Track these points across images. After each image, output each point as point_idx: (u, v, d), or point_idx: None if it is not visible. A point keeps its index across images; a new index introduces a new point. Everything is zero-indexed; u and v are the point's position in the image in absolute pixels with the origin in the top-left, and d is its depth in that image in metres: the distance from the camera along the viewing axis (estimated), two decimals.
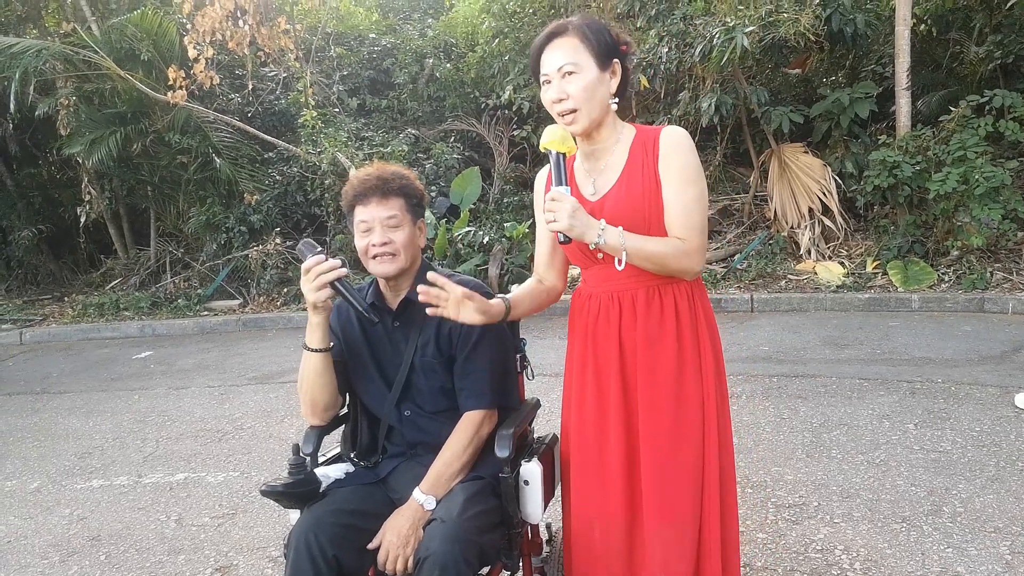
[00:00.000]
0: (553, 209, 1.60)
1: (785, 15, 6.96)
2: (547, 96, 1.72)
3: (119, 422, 4.94)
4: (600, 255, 1.73)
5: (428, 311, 1.69)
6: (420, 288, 1.68)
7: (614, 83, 1.73)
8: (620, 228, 1.64)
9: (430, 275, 1.69)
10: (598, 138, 1.78)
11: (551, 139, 1.67)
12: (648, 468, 1.74)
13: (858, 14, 7.25)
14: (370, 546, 1.78)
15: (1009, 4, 7.07)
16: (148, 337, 7.91)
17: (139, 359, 6.87)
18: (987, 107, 6.78)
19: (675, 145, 1.71)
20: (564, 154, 1.67)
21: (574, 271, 1.99)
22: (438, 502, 1.82)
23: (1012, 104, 6.73)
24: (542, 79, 1.73)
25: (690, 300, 1.78)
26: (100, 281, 9.99)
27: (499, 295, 1.82)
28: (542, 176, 1.93)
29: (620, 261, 1.65)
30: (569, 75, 1.68)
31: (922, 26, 7.83)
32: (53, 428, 4.94)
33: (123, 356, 7.06)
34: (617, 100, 1.75)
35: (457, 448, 1.89)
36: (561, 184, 1.64)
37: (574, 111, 1.69)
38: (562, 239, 1.64)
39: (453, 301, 1.67)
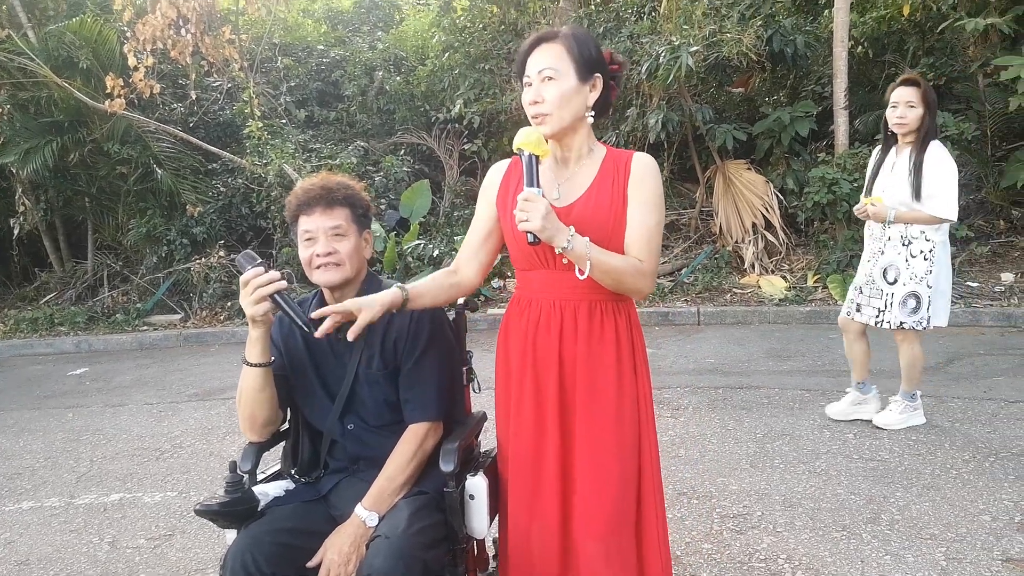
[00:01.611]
0: (526, 209, 1.59)
1: (728, 35, 7.14)
2: (525, 97, 1.74)
3: (51, 441, 4.75)
4: (565, 260, 1.73)
5: (350, 338, 1.61)
6: (319, 334, 1.61)
7: (592, 96, 1.76)
8: (587, 238, 1.65)
9: (315, 313, 1.61)
10: (570, 145, 1.80)
11: (525, 140, 1.67)
12: (584, 481, 1.76)
13: (798, 36, 7.50)
14: (309, 564, 1.74)
15: (940, 28, 7.38)
16: (84, 353, 7.64)
17: (74, 376, 6.62)
18: None
19: (646, 171, 1.77)
20: (537, 156, 1.68)
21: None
22: (381, 518, 1.78)
23: (944, 123, 7.00)
24: (524, 80, 1.75)
25: (628, 320, 1.83)
26: (34, 295, 9.62)
27: (396, 284, 1.74)
28: (498, 168, 1.93)
29: (582, 271, 1.65)
30: (548, 80, 1.70)
31: (859, 48, 8.11)
32: None
33: (57, 373, 6.79)
34: (593, 114, 1.77)
35: (401, 461, 1.86)
36: (533, 185, 1.64)
37: (546, 115, 1.72)
38: (531, 239, 1.63)
39: (360, 321, 1.61)
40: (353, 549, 1.72)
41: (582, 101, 1.74)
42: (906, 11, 7.40)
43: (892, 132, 3.67)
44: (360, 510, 1.78)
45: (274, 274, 1.72)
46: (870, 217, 3.65)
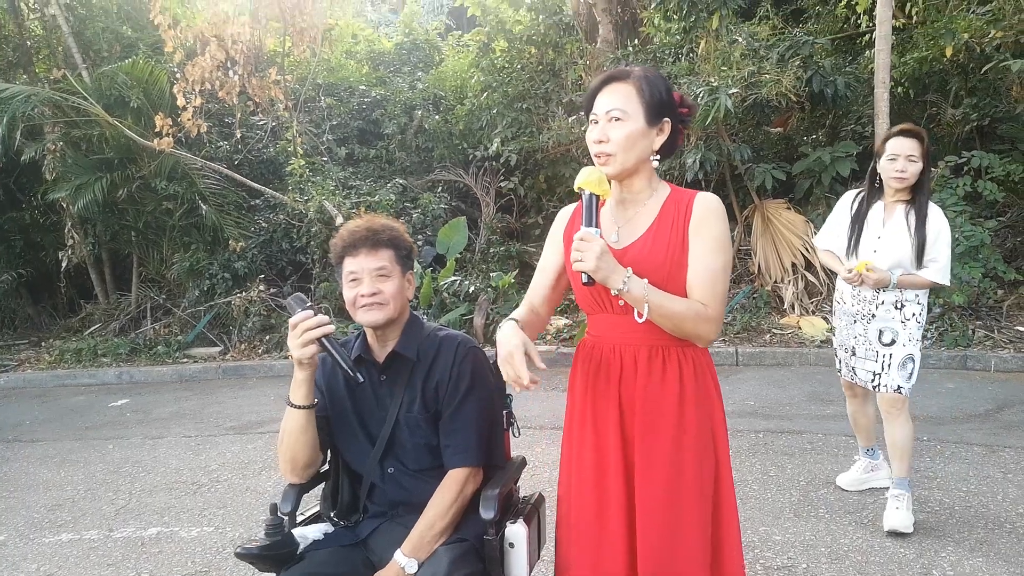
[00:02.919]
0: (581, 249, 1.59)
1: (767, 76, 7.13)
2: (590, 135, 1.73)
3: (92, 473, 4.81)
4: (621, 302, 1.71)
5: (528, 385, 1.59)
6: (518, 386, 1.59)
7: (659, 140, 1.73)
8: (645, 280, 1.63)
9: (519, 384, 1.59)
10: (632, 187, 1.78)
11: (586, 179, 1.66)
12: (645, 532, 1.70)
13: (838, 76, 7.46)
14: None
15: (984, 69, 7.29)
16: (125, 384, 7.76)
17: (115, 407, 6.72)
18: (965, 167, 6.93)
19: (709, 211, 1.71)
20: (598, 196, 1.66)
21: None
22: (420, 565, 1.76)
23: (989, 165, 6.89)
24: (591, 118, 1.74)
25: (696, 365, 1.74)
26: (79, 326, 9.84)
27: (509, 318, 1.71)
28: (565, 212, 1.93)
29: (641, 314, 1.63)
30: (615, 120, 1.69)
31: (899, 88, 8.03)
32: (23, 478, 4.80)
33: (99, 404, 6.91)
34: (659, 157, 1.75)
35: (441, 507, 1.84)
36: (591, 225, 1.63)
37: (610, 155, 1.70)
38: (585, 280, 1.62)
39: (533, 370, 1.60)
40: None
41: (648, 144, 1.72)
42: (948, 52, 7.32)
43: (878, 184, 3.34)
44: (399, 556, 1.77)
45: (323, 318, 1.75)
46: (867, 285, 3.23)
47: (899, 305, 3.27)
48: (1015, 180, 6.98)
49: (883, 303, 3.29)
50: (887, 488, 3.42)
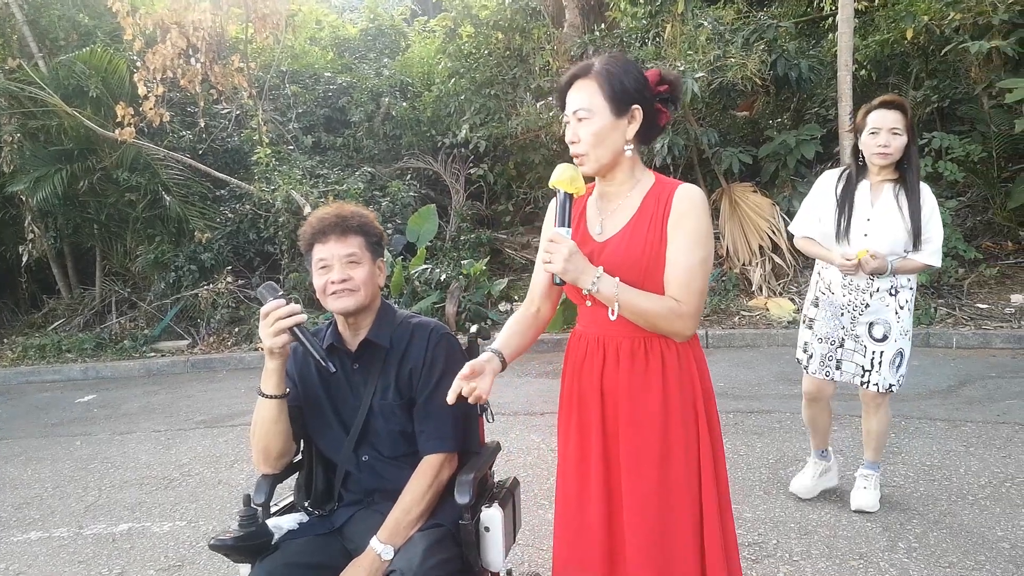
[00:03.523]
0: (550, 251, 1.60)
1: (733, 60, 7.19)
2: (566, 136, 1.73)
3: (59, 470, 4.73)
4: (589, 303, 1.73)
5: (450, 400, 1.67)
6: (450, 399, 1.65)
7: (631, 129, 1.70)
8: (617, 279, 1.63)
9: (452, 394, 1.65)
10: (613, 180, 1.76)
11: (560, 178, 1.66)
12: (633, 521, 1.71)
13: (802, 60, 7.55)
14: None
15: (944, 51, 7.41)
16: (92, 379, 7.63)
17: (82, 403, 6.61)
18: (926, 149, 7.06)
19: (688, 205, 1.68)
20: (571, 195, 1.66)
21: None
22: (396, 551, 1.76)
23: (950, 146, 7.03)
24: (564, 118, 1.74)
25: (680, 353, 1.73)
26: (42, 322, 9.64)
27: (489, 349, 1.76)
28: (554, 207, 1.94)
29: (612, 311, 1.65)
30: (582, 120, 1.68)
31: (863, 71, 8.14)
32: None
33: (65, 400, 6.79)
34: (632, 147, 1.72)
35: (416, 493, 1.85)
36: (564, 225, 1.63)
37: (583, 155, 1.70)
38: (556, 280, 1.64)
39: (480, 389, 1.65)
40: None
41: (619, 136, 1.69)
42: (909, 35, 7.43)
43: (862, 162, 3.08)
44: (375, 543, 1.77)
45: (295, 307, 1.74)
46: (863, 272, 3.00)
47: (894, 291, 3.04)
48: (974, 160, 7.14)
49: (878, 290, 3.04)
50: (835, 488, 3.43)
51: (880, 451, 3.29)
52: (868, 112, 3.00)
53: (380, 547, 1.76)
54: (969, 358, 5.74)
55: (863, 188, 3.06)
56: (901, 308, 3.06)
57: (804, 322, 3.31)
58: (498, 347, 1.79)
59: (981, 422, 4.29)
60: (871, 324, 3.08)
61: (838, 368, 3.19)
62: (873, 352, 3.09)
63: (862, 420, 3.30)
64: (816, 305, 3.24)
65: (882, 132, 2.93)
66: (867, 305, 3.07)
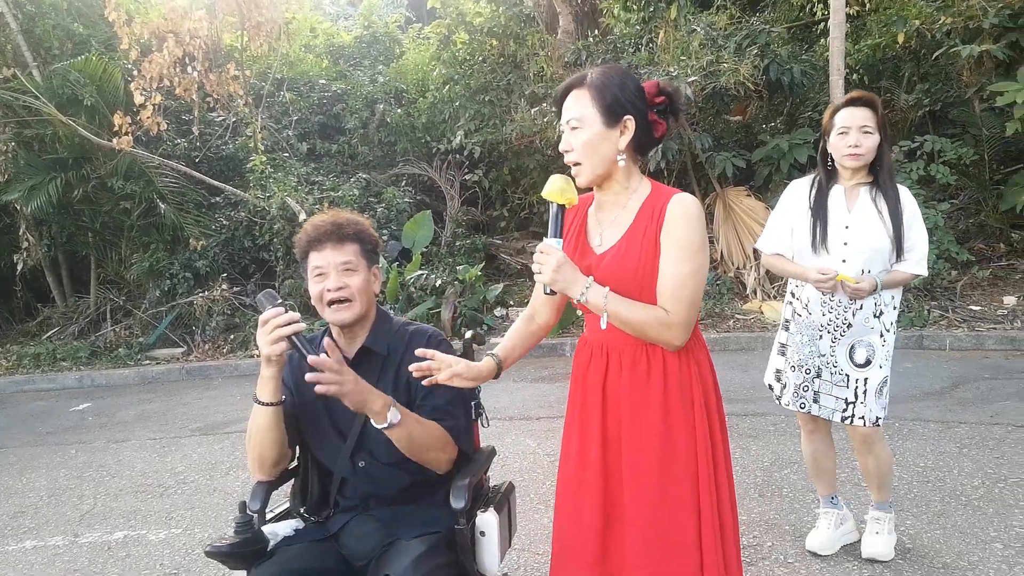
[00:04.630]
0: (540, 262, 1.63)
1: (725, 65, 7.23)
2: (561, 146, 1.75)
3: (54, 478, 4.72)
4: (579, 312, 1.75)
5: (424, 382, 1.73)
6: (413, 367, 1.70)
7: (623, 140, 1.70)
8: (606, 289, 1.65)
9: (419, 351, 1.70)
10: (609, 190, 1.78)
11: (551, 190, 1.68)
12: (634, 523, 1.72)
13: (794, 64, 7.60)
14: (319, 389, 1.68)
15: (935, 55, 7.47)
16: (87, 388, 7.62)
17: (77, 411, 6.60)
18: (918, 152, 7.10)
19: (681, 215, 1.67)
20: (563, 206, 1.69)
21: None
22: (394, 425, 1.75)
23: (941, 149, 7.08)
24: (560, 127, 1.76)
25: (681, 357, 1.74)
26: (36, 330, 9.62)
27: (488, 353, 1.80)
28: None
29: (603, 321, 1.67)
30: (575, 129, 1.70)
31: (855, 75, 8.19)
32: None
33: (60, 408, 6.78)
34: (624, 157, 1.72)
35: (431, 425, 1.86)
36: (555, 236, 1.66)
37: (578, 164, 1.72)
38: (546, 291, 1.67)
39: (446, 372, 1.70)
40: (362, 391, 1.71)
41: (611, 147, 1.70)
42: (901, 39, 7.49)
43: (832, 165, 2.79)
44: (392, 409, 1.76)
45: (294, 315, 1.74)
46: (859, 296, 2.67)
47: (878, 313, 2.73)
48: (966, 163, 7.19)
49: (861, 308, 2.71)
50: (858, 541, 2.99)
51: (886, 489, 2.92)
52: (835, 111, 2.74)
53: (392, 412, 1.76)
54: (962, 360, 5.77)
55: (836, 194, 2.76)
56: (887, 331, 2.75)
57: (776, 348, 3.00)
58: (499, 351, 1.86)
59: (974, 423, 4.31)
60: (852, 347, 2.74)
61: (815, 401, 2.84)
62: (856, 380, 2.75)
63: (859, 462, 2.99)
64: (787, 329, 2.93)
65: (852, 131, 2.65)
66: (849, 325, 2.72)
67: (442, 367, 1.70)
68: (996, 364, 5.63)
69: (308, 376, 1.65)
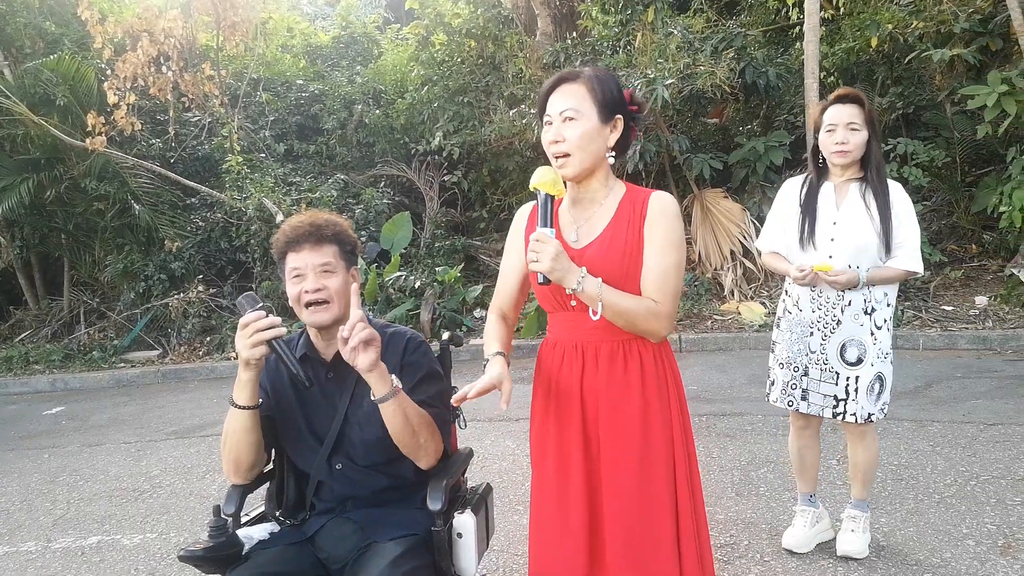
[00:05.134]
0: (537, 250, 1.62)
1: (702, 68, 7.28)
2: (546, 137, 1.75)
3: (27, 483, 4.65)
4: (574, 302, 1.75)
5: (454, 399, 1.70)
6: (455, 399, 1.67)
7: (613, 137, 1.75)
8: (600, 279, 1.66)
9: (455, 400, 1.68)
10: (588, 187, 1.80)
11: (542, 180, 1.69)
12: (614, 523, 1.73)
13: (770, 68, 7.68)
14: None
15: (908, 58, 7.58)
16: (60, 392, 7.51)
17: (50, 415, 6.50)
18: (892, 154, 7.20)
19: (663, 210, 1.74)
20: (553, 196, 1.69)
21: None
22: (386, 398, 1.75)
23: (914, 151, 7.18)
24: (545, 120, 1.76)
25: (656, 356, 1.78)
26: (8, 333, 9.47)
27: (494, 352, 1.79)
28: (523, 212, 1.94)
29: (595, 311, 1.67)
30: (569, 120, 1.70)
31: (830, 78, 8.28)
32: None
33: (32, 412, 6.67)
34: (614, 154, 1.77)
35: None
36: (547, 226, 1.66)
37: (567, 155, 1.72)
38: (541, 280, 1.66)
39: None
40: (370, 334, 1.70)
41: (602, 142, 1.74)
42: (874, 43, 7.59)
43: (823, 163, 2.83)
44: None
45: (275, 319, 1.72)
46: (836, 287, 2.69)
47: (869, 310, 2.72)
48: (938, 165, 7.30)
49: (850, 305, 2.71)
50: (833, 539, 3.01)
51: (868, 486, 2.95)
52: (824, 109, 2.77)
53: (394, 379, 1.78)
54: (935, 359, 5.85)
55: (827, 191, 2.79)
56: (878, 328, 2.72)
57: (771, 347, 3.04)
58: (498, 348, 1.82)
59: (947, 422, 4.38)
60: (843, 345, 2.74)
61: (804, 399, 2.84)
62: (847, 379, 2.74)
63: (848, 453, 2.98)
64: (779, 327, 2.96)
65: (839, 129, 2.69)
66: (838, 322, 2.73)
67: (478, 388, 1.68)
68: (968, 363, 5.71)
69: (343, 332, 1.66)
